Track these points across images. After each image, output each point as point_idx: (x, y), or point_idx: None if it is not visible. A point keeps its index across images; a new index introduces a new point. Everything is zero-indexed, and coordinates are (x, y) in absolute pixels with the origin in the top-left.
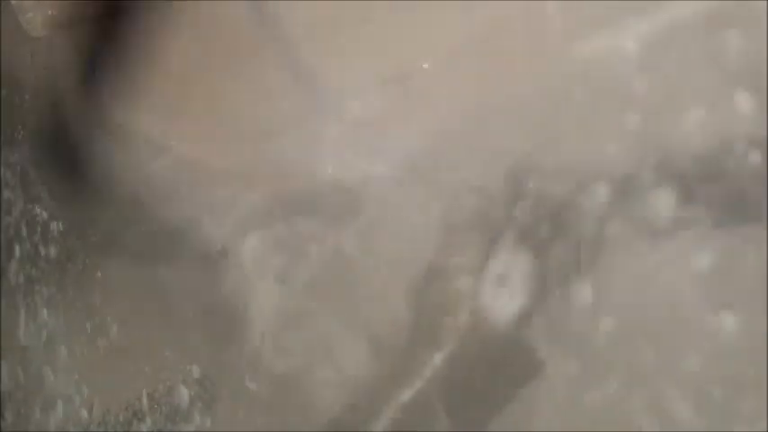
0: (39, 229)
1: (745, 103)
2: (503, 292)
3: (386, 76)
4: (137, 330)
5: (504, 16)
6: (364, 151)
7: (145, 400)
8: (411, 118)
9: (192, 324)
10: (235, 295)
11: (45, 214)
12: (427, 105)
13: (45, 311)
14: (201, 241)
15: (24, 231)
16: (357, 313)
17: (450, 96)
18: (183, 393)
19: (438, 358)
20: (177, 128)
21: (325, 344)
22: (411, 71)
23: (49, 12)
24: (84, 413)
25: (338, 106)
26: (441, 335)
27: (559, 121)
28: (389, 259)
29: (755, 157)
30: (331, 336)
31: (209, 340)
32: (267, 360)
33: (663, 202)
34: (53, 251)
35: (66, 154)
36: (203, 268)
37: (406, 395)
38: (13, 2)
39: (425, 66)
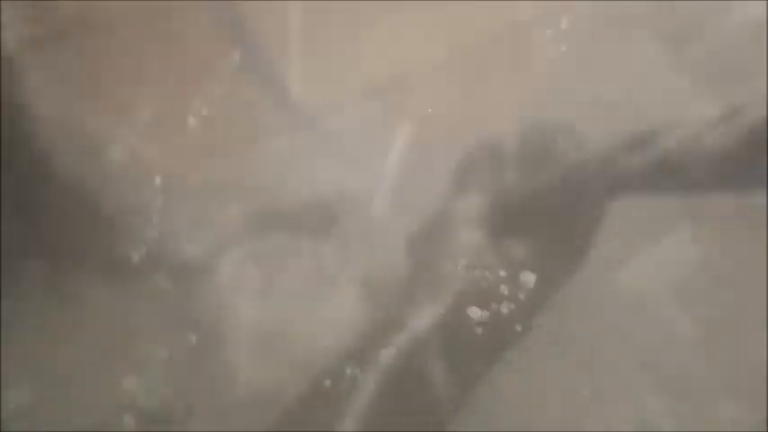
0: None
1: None
2: None
3: (365, 91)
4: (112, 342)
5: (488, 31)
6: (342, 165)
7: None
8: (390, 131)
9: (166, 338)
10: (212, 310)
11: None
12: (407, 119)
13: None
14: (178, 255)
15: None
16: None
17: (430, 110)
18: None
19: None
20: (152, 142)
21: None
22: (391, 85)
23: (27, 29)
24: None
25: (316, 120)
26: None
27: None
28: (366, 273)
29: None
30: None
31: (184, 354)
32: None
33: None
34: (24, 264)
35: (35, 166)
36: (180, 283)
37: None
38: None
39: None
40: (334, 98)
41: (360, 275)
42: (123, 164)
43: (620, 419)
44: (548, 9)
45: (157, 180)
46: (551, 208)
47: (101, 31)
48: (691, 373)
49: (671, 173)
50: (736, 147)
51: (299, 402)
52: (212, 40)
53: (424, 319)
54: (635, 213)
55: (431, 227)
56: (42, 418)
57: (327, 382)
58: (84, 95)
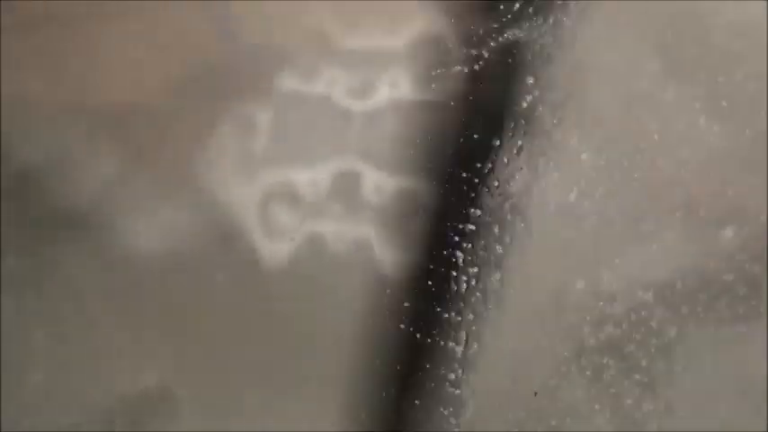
0: None
1: None
2: None
3: None
4: (89, 333)
5: None
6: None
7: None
8: None
9: (148, 326)
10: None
11: None
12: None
13: None
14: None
15: None
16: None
17: None
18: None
19: None
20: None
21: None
22: None
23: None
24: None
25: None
26: None
27: None
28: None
29: None
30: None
31: (168, 341)
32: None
33: None
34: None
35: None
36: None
37: None
38: None
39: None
40: None
41: None
42: (80, 151)
43: None
44: None
45: (131, 173)
46: None
47: (68, 22)
48: None
49: None
50: None
51: None
52: (183, 39)
53: None
54: None
55: None
56: None
57: None
58: (48, 84)
